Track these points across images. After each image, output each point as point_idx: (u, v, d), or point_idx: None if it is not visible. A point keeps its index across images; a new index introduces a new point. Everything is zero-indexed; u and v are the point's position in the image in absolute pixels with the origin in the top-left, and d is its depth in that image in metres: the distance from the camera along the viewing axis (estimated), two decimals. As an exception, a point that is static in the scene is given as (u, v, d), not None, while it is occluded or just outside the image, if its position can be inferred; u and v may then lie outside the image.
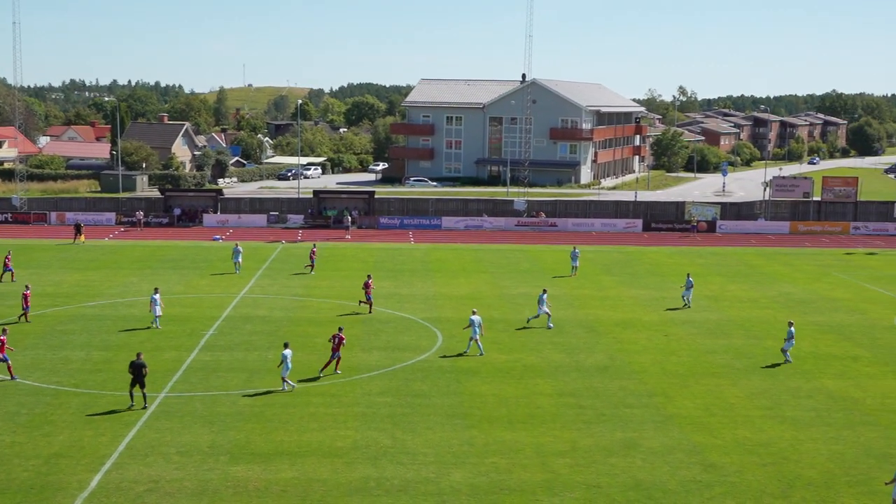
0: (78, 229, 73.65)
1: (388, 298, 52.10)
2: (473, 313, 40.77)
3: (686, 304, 51.16)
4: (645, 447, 29.25)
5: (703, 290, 55.39)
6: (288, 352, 34.06)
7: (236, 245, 61.59)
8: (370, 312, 47.64)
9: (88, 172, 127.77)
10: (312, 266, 60.19)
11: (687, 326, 46.31)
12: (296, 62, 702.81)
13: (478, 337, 39.86)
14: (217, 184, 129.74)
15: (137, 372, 31.84)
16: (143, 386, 32.02)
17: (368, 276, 49.90)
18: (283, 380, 34.23)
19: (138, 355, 32.46)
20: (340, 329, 37.65)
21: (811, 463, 28.14)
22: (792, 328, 39.73)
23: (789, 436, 30.55)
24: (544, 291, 46.47)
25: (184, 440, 29.17)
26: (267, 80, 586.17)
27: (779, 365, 39.21)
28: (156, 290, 45.11)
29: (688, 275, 52.98)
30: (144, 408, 31.98)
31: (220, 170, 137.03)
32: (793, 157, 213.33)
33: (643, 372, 37.92)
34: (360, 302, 48.77)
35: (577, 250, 62.29)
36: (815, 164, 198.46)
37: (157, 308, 43.75)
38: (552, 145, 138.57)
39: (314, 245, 63.93)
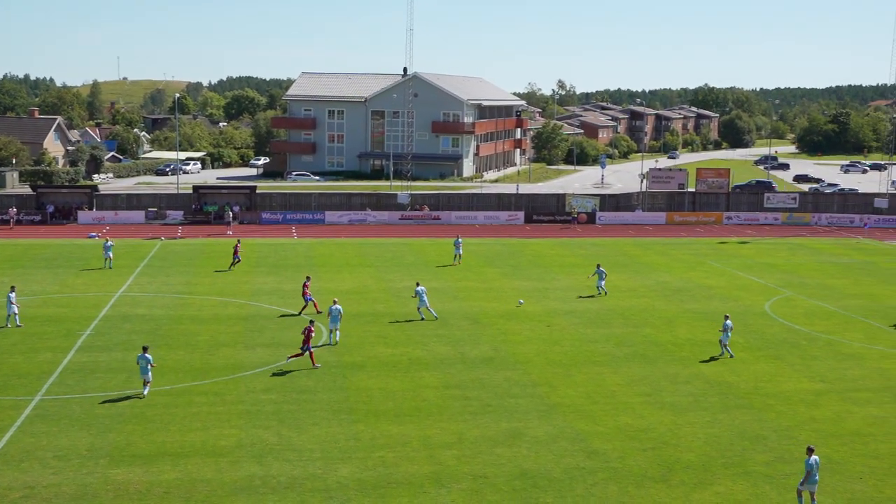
0: None
1: (272, 294, 51.53)
2: (417, 284, 46.33)
3: (601, 292, 52.75)
4: (530, 436, 29.67)
5: (584, 281, 56.42)
6: (145, 355, 32.96)
7: (107, 241, 61.22)
8: (299, 314, 46.34)
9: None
10: (237, 260, 59.90)
11: (569, 317, 47.11)
12: (173, 55, 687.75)
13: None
14: (92, 180, 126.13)
15: None
16: None
17: (307, 278, 48.82)
18: (145, 383, 33.12)
19: None
20: (312, 322, 37.48)
21: (689, 446, 28.99)
22: (728, 321, 39.66)
23: (668, 421, 31.40)
24: (418, 284, 47.04)
25: (61, 444, 28.31)
26: (143, 74, 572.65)
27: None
28: (12, 289, 43.72)
29: (598, 265, 54.28)
30: None
31: (96, 165, 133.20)
32: (668, 149, 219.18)
33: (527, 362, 38.43)
34: (304, 308, 47.13)
35: (459, 239, 64.03)
36: (674, 157, 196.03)
37: (14, 307, 42.59)
38: (434, 139, 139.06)
39: (238, 241, 63.52)
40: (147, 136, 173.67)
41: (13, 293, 43.20)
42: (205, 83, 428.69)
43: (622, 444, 29.09)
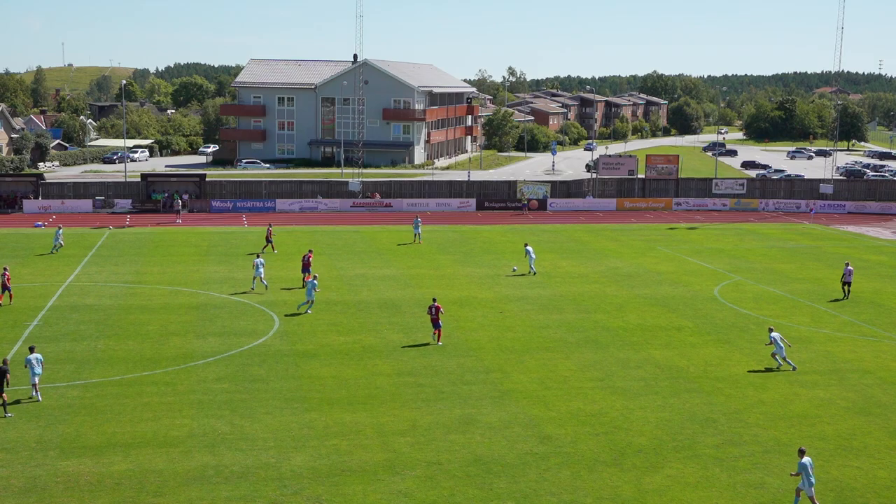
0: None
1: (223, 283, 51.14)
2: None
3: (532, 272, 54.30)
4: (483, 422, 29.79)
5: (536, 267, 56.65)
6: (34, 356, 31.31)
7: (59, 227, 61.68)
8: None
9: None
10: (271, 244, 61.77)
11: (521, 303, 47.32)
12: (119, 41, 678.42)
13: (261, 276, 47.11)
14: (37, 168, 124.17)
15: (1, 378, 29.78)
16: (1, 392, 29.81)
17: (309, 251, 50.74)
18: (34, 386, 31.12)
19: (4, 361, 30.66)
20: (434, 300, 39.87)
21: (641, 430, 29.29)
22: (773, 333, 36.39)
23: (620, 405, 31.70)
24: (314, 277, 46.39)
25: (9, 436, 27.90)
26: (88, 60, 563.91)
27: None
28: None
29: (525, 244, 56.59)
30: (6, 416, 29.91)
31: (41, 153, 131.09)
32: (618, 135, 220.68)
33: (480, 349, 38.56)
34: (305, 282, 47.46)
35: (419, 219, 68.17)
36: (591, 149, 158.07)
37: None
38: (385, 126, 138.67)
39: (270, 225, 64.93)
40: (93, 123, 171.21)
41: None
42: (152, 70, 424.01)
43: (574, 429, 29.32)
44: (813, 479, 23.57)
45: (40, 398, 31.16)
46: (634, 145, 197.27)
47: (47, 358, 35.85)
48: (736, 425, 29.95)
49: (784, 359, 36.07)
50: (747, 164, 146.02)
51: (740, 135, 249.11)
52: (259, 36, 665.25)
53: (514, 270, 51.35)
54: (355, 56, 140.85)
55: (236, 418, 29.80)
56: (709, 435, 29.04)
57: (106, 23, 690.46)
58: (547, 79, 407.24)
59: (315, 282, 44.81)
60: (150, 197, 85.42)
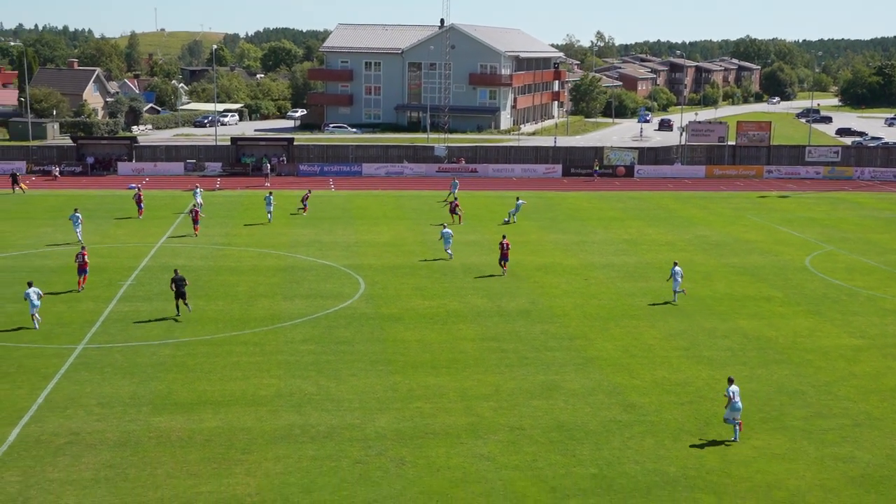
0: (14, 178, 71.41)
1: (310, 246, 51.79)
2: (444, 226, 50.60)
3: (511, 220, 60.17)
4: (566, 389, 29.74)
5: (622, 234, 56.18)
6: (31, 290, 34.98)
7: (197, 187, 64.49)
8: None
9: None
10: (305, 208, 63.41)
11: (606, 270, 46.98)
12: (210, 6, 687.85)
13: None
14: (131, 131, 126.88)
15: (179, 285, 36.58)
16: (184, 297, 36.82)
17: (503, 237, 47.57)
18: (32, 317, 35.05)
19: (176, 271, 37.94)
20: (504, 236, 46.37)
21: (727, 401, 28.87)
22: (676, 267, 40.96)
23: (706, 375, 31.33)
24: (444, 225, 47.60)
25: (104, 392, 28.79)
26: (180, 25, 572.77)
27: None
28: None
29: (517, 198, 62.71)
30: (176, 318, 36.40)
31: (134, 117, 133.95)
32: (708, 102, 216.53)
33: (564, 315, 38.43)
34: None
35: (456, 181, 71.71)
36: (646, 121, 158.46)
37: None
38: (472, 91, 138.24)
39: (309, 190, 66.32)
40: (185, 87, 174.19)
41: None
42: (242, 35, 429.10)
43: (659, 398, 29.10)
44: (739, 406, 25.79)
45: (38, 326, 34.94)
46: (725, 111, 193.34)
47: (140, 317, 36.89)
48: (825, 398, 29.38)
49: (676, 291, 40.49)
50: (842, 132, 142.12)
51: (835, 101, 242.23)
52: (346, 0, 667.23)
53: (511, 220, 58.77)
54: (442, 21, 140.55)
55: (322, 379, 30.25)
56: (797, 407, 28.55)
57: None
58: (636, 43, 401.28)
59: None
60: (239, 160, 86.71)
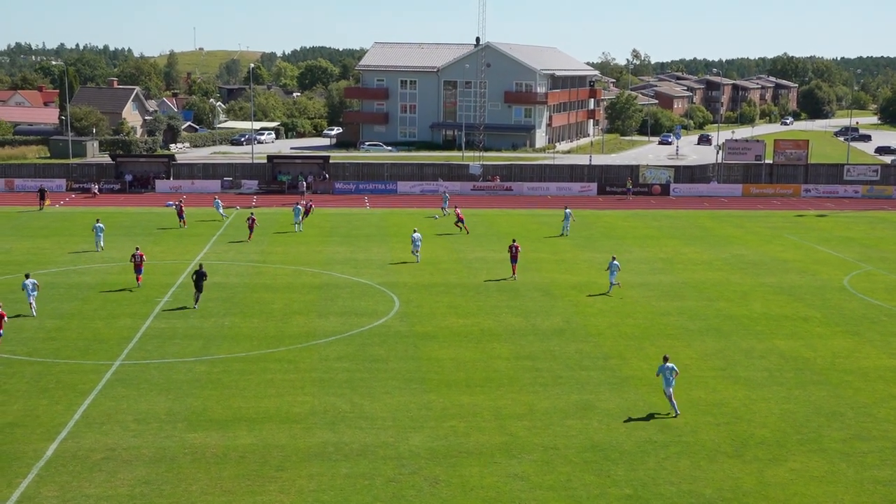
0: (42, 195, 73.17)
1: (344, 264, 51.97)
2: (415, 231, 53.24)
3: (564, 233, 61.82)
4: (601, 409, 29.56)
5: (658, 253, 55.87)
6: (29, 281, 38.53)
7: (216, 198, 69.97)
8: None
9: (37, 138, 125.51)
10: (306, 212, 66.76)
11: (642, 289, 46.72)
12: (247, 25, 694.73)
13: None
14: (169, 149, 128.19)
15: (200, 280, 40.51)
16: (200, 291, 40.80)
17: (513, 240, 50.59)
18: (30, 305, 38.53)
19: (200, 265, 41.91)
20: (514, 240, 49.04)
21: (763, 422, 28.62)
22: (615, 261, 45.32)
23: (742, 396, 31.03)
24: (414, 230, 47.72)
25: (140, 408, 29.00)
26: (218, 44, 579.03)
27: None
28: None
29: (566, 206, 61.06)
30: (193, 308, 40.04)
31: (172, 135, 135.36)
32: (745, 120, 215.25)
33: (599, 335, 38.25)
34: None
35: (447, 194, 74.39)
36: (667, 142, 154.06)
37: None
38: (507, 109, 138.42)
39: (311, 202, 69.95)
40: (222, 106, 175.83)
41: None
42: (278, 53, 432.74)
43: (695, 419, 28.84)
44: (672, 381, 28.59)
45: (35, 314, 38.40)
46: (761, 130, 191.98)
47: (176, 334, 37.15)
48: (864, 420, 28.98)
49: (612, 283, 44.63)
50: (882, 150, 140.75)
51: (875, 119, 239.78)
52: (382, 19, 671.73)
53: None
54: (478, 39, 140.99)
55: (356, 397, 30.29)
56: (835, 429, 28.19)
57: (235, 7, 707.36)
58: (672, 61, 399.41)
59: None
60: (275, 178, 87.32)
